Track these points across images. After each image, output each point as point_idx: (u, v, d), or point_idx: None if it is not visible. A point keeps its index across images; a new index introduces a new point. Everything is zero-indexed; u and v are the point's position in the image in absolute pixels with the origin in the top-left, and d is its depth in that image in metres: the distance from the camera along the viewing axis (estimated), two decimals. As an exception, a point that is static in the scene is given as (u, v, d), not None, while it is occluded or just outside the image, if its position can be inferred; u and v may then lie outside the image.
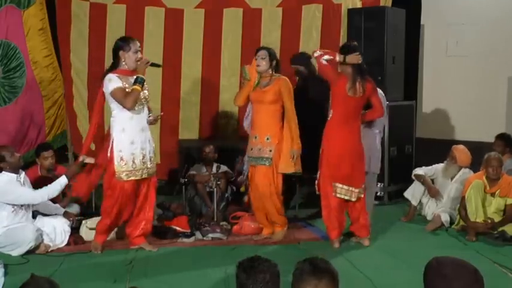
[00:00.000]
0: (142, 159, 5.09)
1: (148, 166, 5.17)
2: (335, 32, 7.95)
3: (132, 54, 5.02)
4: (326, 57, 5.36)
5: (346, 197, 5.47)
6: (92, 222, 5.75)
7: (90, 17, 8.10)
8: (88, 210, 6.35)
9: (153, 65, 5.18)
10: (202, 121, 8.28)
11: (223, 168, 6.73)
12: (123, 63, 5.10)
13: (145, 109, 5.18)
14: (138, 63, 5.06)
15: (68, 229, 5.59)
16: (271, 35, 8.12)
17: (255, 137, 5.60)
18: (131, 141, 5.05)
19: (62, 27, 8.13)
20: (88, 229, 5.75)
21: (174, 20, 8.13)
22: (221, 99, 8.29)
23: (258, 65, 5.61)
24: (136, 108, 5.03)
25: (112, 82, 4.98)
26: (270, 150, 5.55)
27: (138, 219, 5.33)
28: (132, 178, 5.08)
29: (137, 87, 4.91)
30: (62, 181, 5.35)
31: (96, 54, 8.11)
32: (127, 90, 4.99)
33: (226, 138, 8.13)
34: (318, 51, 5.47)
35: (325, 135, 5.47)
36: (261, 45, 7.57)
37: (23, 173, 5.58)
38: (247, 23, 8.17)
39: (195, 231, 5.91)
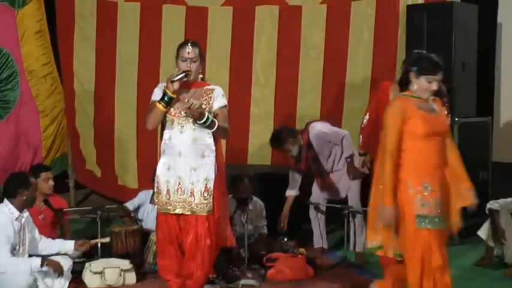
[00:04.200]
0: (177, 190, 4.96)
1: (191, 201, 4.95)
2: (391, 32, 7.95)
3: (181, 63, 4.92)
4: None
5: None
6: (97, 265, 5.71)
7: (97, 16, 8.20)
8: (92, 250, 6.14)
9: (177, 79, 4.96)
10: (230, 142, 7.85)
11: (258, 204, 6.77)
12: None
13: (193, 129, 4.91)
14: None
15: (69, 274, 5.50)
16: (313, 37, 8.13)
17: (428, 188, 4.47)
18: (168, 166, 4.98)
19: (63, 29, 8.21)
20: (92, 274, 5.70)
21: (196, 20, 8.18)
22: (252, 114, 8.27)
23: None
24: (173, 126, 4.91)
25: (154, 92, 5.01)
26: None
27: (186, 268, 5.04)
28: (166, 212, 5.01)
29: (159, 105, 4.84)
30: (37, 263, 5.24)
31: (104, 61, 8.17)
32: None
33: (259, 164, 8.10)
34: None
35: None
36: (300, 48, 8.01)
37: (27, 212, 5.50)
38: (285, 23, 8.15)
39: (221, 276, 5.82)
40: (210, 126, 4.79)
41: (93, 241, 5.84)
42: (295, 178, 6.83)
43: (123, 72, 8.31)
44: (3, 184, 5.55)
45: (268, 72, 8.22)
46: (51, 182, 6.30)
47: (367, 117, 6.13)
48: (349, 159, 6.59)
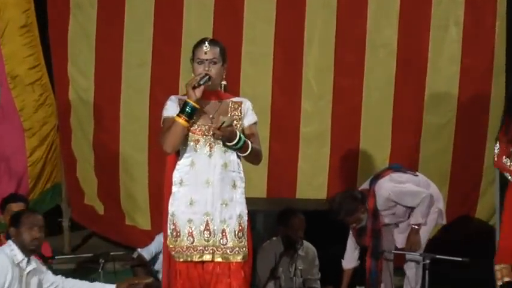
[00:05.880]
0: (205, 230, 4.84)
1: (224, 244, 4.87)
2: (486, 26, 7.83)
3: (196, 66, 4.82)
4: None
5: None
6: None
7: (98, 7, 8.10)
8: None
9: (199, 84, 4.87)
10: (273, 170, 8.09)
11: (310, 250, 6.74)
12: None
13: (224, 151, 4.87)
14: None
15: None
16: (381, 33, 7.94)
17: None
18: (189, 200, 4.82)
19: (55, 23, 8.13)
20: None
21: (228, 10, 8.05)
22: (302, 133, 8.08)
23: None
24: (198, 148, 4.83)
25: (166, 107, 4.89)
26: None
27: None
28: (189, 260, 4.86)
29: (179, 119, 4.70)
30: None
31: (107, 64, 8.11)
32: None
33: (311, 199, 8.07)
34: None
35: None
36: (365, 48, 7.91)
37: (34, 261, 5.49)
38: (345, 14, 7.93)
39: None
40: (242, 149, 4.73)
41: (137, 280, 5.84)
42: (353, 248, 6.77)
43: (132, 78, 8.23)
44: None
45: (323, 79, 8.03)
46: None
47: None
48: (415, 227, 6.52)
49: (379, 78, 7.93)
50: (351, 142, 7.79)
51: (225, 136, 4.65)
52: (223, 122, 4.54)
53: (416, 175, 6.66)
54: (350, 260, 6.72)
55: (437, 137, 7.64)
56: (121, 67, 8.01)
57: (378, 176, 6.69)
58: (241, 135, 4.73)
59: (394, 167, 6.80)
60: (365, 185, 6.70)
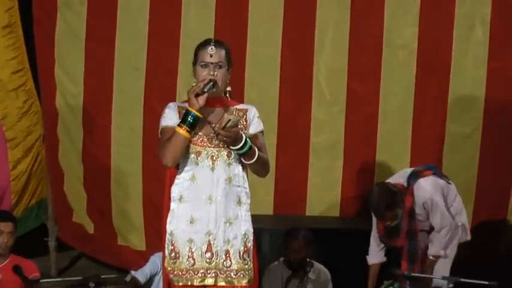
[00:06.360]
0: (207, 251, 4.84)
1: (228, 266, 4.87)
2: None
3: (200, 70, 4.77)
4: None
5: None
6: None
7: (88, 4, 7.99)
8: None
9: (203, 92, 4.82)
10: (280, 184, 7.98)
11: (322, 273, 6.64)
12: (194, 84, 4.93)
13: (228, 164, 4.86)
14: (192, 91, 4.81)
15: None
16: (401, 32, 7.79)
17: None
18: (190, 217, 4.79)
19: (41, 23, 8.05)
20: None
21: (230, 9, 7.91)
22: (313, 143, 7.95)
23: None
24: (200, 161, 4.81)
25: (164, 115, 4.87)
26: None
27: None
28: (189, 284, 4.87)
29: (181, 130, 4.66)
30: None
31: (98, 67, 8.01)
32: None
33: (323, 216, 8.01)
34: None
35: None
36: (382, 49, 7.79)
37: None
38: (359, 11, 7.78)
39: None
40: (247, 155, 4.67)
41: None
42: (377, 244, 6.71)
43: (125, 83, 8.11)
44: None
45: (335, 83, 7.88)
46: (5, 238, 6.31)
47: None
48: (433, 258, 6.46)
49: (397, 83, 7.81)
50: (367, 153, 7.71)
51: (230, 137, 4.56)
52: (229, 121, 4.47)
53: (450, 183, 6.56)
54: (375, 255, 6.65)
55: (462, 147, 7.52)
56: (113, 71, 7.90)
57: (417, 174, 6.54)
58: (248, 139, 4.66)
59: (432, 168, 6.65)
60: (400, 180, 6.52)
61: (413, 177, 6.49)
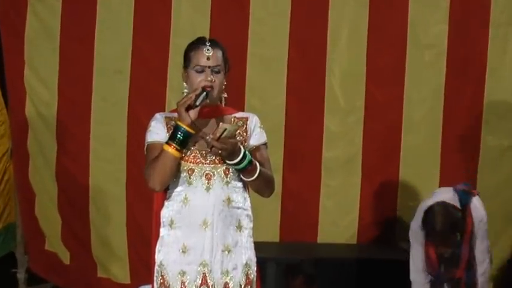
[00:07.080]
0: (202, 285, 4.80)
1: None
2: None
3: (194, 76, 4.67)
4: None
5: None
6: None
7: None
8: None
9: (196, 106, 4.72)
10: (287, 206, 7.72)
11: None
12: (185, 90, 4.84)
13: (225, 183, 4.77)
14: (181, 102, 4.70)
15: None
16: (428, 31, 7.56)
17: None
18: (182, 246, 4.74)
19: (8, 18, 7.87)
20: None
21: (229, 3, 7.73)
22: (325, 159, 7.71)
23: None
24: (192, 180, 4.74)
25: (150, 129, 4.81)
26: None
27: None
28: None
29: (169, 148, 4.59)
30: None
31: (75, 71, 7.80)
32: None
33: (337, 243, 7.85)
34: None
35: None
36: (407, 49, 7.63)
37: None
38: (380, 7, 7.57)
39: None
40: (247, 171, 4.58)
41: None
42: (425, 275, 6.22)
43: (106, 89, 7.89)
44: None
45: (352, 89, 7.64)
46: None
47: None
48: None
49: (424, 88, 7.59)
50: (388, 170, 7.51)
51: (226, 150, 4.43)
52: (224, 130, 4.33)
53: None
54: None
55: (499, 163, 7.27)
56: (92, 74, 7.66)
57: (468, 193, 6.14)
58: (247, 152, 4.55)
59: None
60: (446, 198, 6.09)
61: (465, 196, 6.11)
